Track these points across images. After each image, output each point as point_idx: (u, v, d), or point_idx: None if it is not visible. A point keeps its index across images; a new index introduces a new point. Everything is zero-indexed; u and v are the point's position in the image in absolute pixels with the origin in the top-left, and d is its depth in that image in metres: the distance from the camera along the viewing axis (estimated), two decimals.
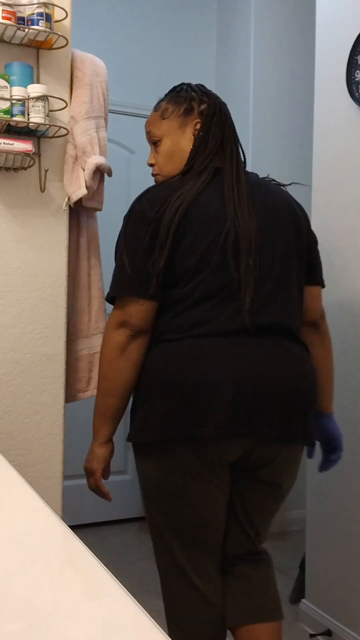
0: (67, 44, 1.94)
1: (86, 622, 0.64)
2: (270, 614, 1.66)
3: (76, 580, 0.74)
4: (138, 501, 3.49)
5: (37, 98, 1.84)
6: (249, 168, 3.27)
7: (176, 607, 1.64)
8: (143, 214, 1.52)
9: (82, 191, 1.93)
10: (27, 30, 1.82)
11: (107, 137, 2.01)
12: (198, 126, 1.62)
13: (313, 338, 1.75)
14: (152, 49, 3.48)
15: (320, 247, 2.32)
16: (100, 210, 2.06)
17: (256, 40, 3.29)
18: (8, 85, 1.83)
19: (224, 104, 1.68)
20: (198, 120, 1.63)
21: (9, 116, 1.82)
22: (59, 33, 1.87)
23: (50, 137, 1.95)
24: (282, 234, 1.58)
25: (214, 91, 3.56)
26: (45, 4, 1.82)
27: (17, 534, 0.87)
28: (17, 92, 1.83)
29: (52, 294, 1.99)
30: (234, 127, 1.66)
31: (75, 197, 1.95)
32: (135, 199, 1.56)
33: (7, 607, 0.67)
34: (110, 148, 3.16)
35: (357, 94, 2.14)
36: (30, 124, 1.84)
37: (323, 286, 1.76)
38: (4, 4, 1.79)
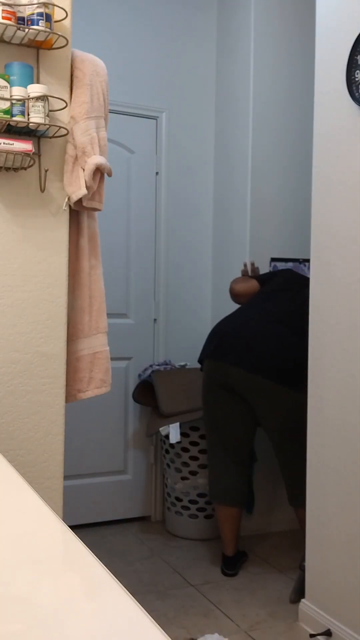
0: (67, 44, 1.94)
1: (86, 622, 0.64)
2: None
3: (76, 580, 0.74)
4: (138, 501, 3.49)
5: (37, 98, 1.84)
6: (248, 170, 3.30)
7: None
8: None
9: (82, 191, 1.93)
10: (27, 30, 1.82)
11: (107, 137, 2.01)
12: None
13: None
14: (152, 49, 3.48)
15: (320, 246, 2.33)
16: (101, 210, 2.06)
17: (256, 41, 3.29)
18: (8, 85, 1.83)
19: None
20: None
21: (9, 116, 1.82)
22: (59, 33, 1.87)
23: (50, 137, 1.95)
24: None
25: (214, 91, 3.60)
26: (45, 4, 1.82)
27: (17, 534, 0.87)
28: (17, 92, 1.83)
29: (52, 294, 1.99)
30: None
31: (75, 197, 1.95)
32: None
33: (7, 607, 0.67)
34: (110, 148, 3.16)
35: (357, 94, 2.14)
36: (30, 124, 1.84)
37: None
38: (4, 4, 1.79)
